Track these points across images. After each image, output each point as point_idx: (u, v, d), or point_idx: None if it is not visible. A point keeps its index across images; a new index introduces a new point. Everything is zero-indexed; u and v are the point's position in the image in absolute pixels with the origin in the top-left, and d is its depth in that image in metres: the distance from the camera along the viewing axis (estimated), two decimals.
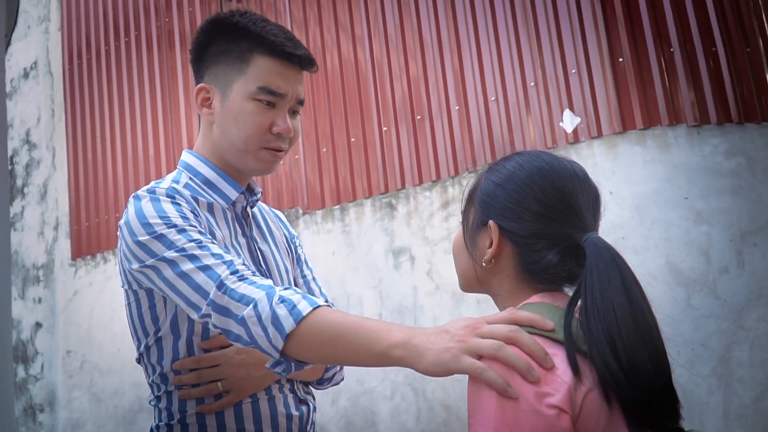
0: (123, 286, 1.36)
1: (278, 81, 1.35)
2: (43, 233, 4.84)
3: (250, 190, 1.46)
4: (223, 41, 1.38)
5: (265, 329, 1.12)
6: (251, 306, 1.13)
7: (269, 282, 1.19)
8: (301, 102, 1.40)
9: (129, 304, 1.36)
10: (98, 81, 4.64)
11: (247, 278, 1.18)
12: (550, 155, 1.12)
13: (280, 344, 1.12)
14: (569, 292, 1.08)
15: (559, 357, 0.97)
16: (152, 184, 1.36)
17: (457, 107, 3.26)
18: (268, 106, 1.35)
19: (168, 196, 1.29)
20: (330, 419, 3.40)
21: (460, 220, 1.16)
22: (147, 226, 1.25)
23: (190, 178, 1.39)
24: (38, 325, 4.75)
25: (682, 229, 2.67)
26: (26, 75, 5.14)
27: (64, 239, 4.67)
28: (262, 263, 1.42)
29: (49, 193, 4.84)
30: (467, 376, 0.96)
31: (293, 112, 1.39)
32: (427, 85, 3.36)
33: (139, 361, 1.41)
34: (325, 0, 3.73)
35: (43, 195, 4.88)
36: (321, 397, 3.41)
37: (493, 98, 3.16)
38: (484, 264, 1.09)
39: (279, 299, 1.13)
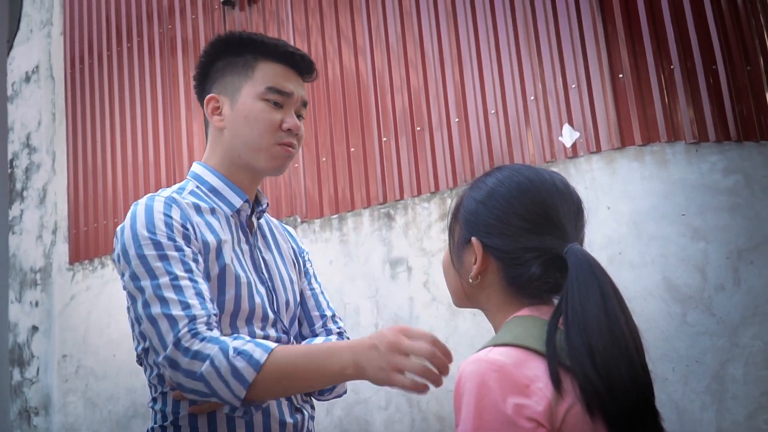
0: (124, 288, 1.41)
1: (283, 81, 1.43)
2: (42, 237, 4.84)
3: (257, 202, 1.51)
4: (228, 56, 1.46)
5: (226, 383, 1.20)
6: (207, 362, 1.20)
7: (220, 336, 1.25)
8: (305, 104, 1.47)
9: (129, 306, 1.40)
10: (99, 86, 4.65)
11: (200, 334, 1.24)
12: (530, 169, 1.13)
13: (242, 393, 1.21)
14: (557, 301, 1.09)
15: (541, 370, 0.98)
16: (159, 192, 1.44)
17: (457, 119, 3.27)
18: (275, 106, 1.42)
19: (165, 206, 1.34)
20: (325, 429, 3.39)
21: (448, 236, 1.18)
22: (134, 237, 1.31)
23: (197, 186, 1.45)
24: (35, 328, 4.75)
25: (679, 246, 2.67)
26: (28, 79, 5.15)
27: (62, 243, 4.67)
28: (264, 271, 1.45)
29: (48, 197, 4.84)
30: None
31: (297, 116, 1.46)
32: (427, 96, 3.37)
33: (138, 361, 1.44)
34: (327, 10, 3.74)
35: (42, 199, 4.89)
36: (316, 406, 3.41)
37: (493, 111, 3.17)
38: (470, 280, 1.11)
39: (234, 352, 1.21)
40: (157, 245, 1.29)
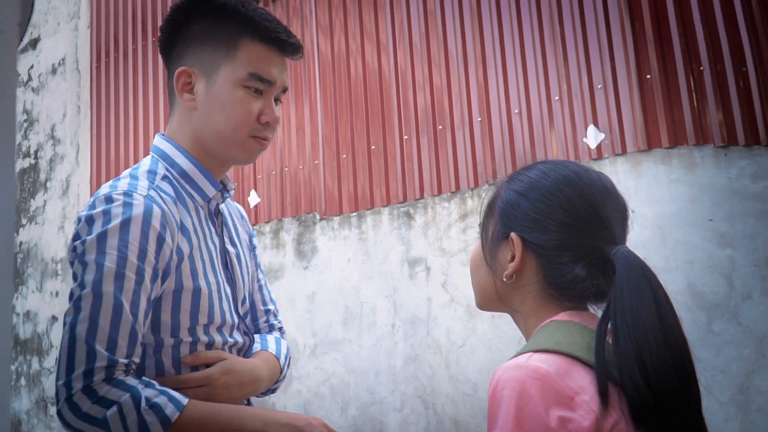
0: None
1: (269, 68, 1.29)
2: (64, 228, 4.87)
3: (224, 187, 1.37)
4: (207, 22, 1.29)
5: None
6: (114, 408, 1.09)
7: (130, 382, 1.14)
8: (285, 90, 1.34)
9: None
10: (124, 79, 4.67)
11: (113, 380, 1.12)
12: (576, 164, 1.06)
13: None
14: (592, 310, 1.03)
15: (586, 381, 0.90)
16: (127, 179, 1.24)
17: (479, 119, 3.22)
18: (256, 94, 1.28)
19: (146, 211, 1.18)
20: (338, 428, 3.37)
21: (478, 232, 1.10)
22: (100, 242, 1.15)
23: (167, 169, 1.29)
24: (54, 318, 4.78)
25: (706, 252, 2.61)
26: (54, 71, 5.20)
27: None
28: (230, 267, 1.35)
29: (71, 188, 4.87)
30: (481, 391, 0.94)
31: (276, 100, 1.33)
32: (450, 95, 3.33)
33: None
34: (351, 6, 3.72)
35: (65, 190, 4.92)
36: (330, 405, 3.38)
37: (516, 111, 3.12)
38: (505, 279, 1.03)
39: (146, 404, 1.11)
40: (120, 262, 1.14)
